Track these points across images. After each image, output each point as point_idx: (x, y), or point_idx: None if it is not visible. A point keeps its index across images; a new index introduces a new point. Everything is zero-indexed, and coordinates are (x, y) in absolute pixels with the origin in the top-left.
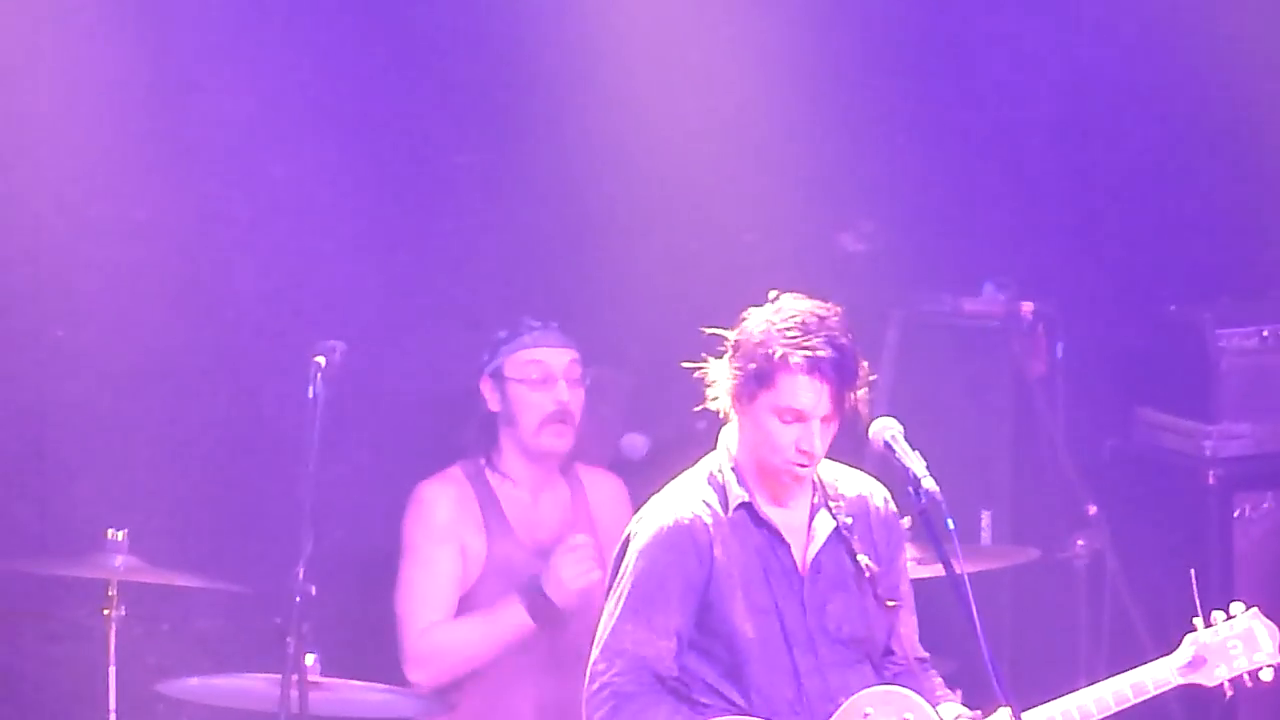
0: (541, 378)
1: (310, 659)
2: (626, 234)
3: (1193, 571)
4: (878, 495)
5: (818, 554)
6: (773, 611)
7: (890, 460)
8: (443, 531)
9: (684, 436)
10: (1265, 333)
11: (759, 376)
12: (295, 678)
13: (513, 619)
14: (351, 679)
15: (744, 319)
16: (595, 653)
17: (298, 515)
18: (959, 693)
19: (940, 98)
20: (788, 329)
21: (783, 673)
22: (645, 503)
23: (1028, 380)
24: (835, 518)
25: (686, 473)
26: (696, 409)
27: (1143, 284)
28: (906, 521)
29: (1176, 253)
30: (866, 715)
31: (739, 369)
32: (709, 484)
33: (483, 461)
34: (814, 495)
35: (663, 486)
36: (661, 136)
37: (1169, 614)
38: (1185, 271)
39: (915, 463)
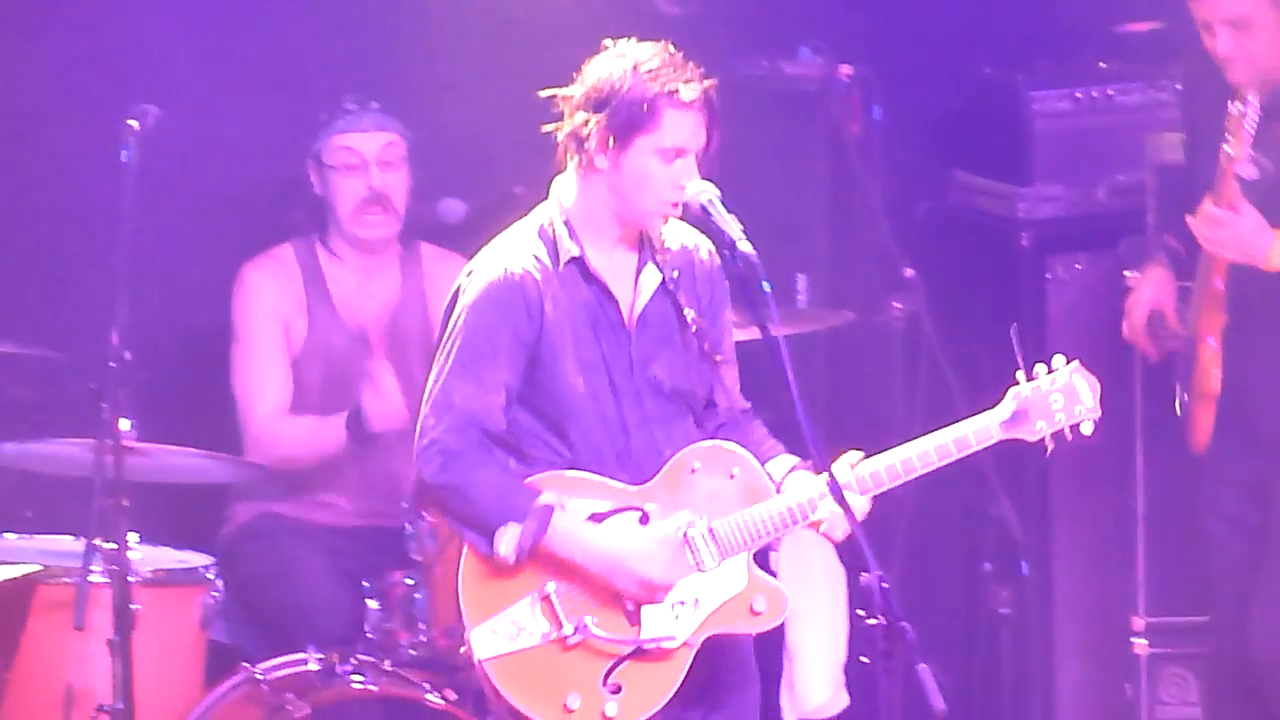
0: (354, 163)
1: (125, 425)
2: (449, 3)
3: (1014, 326)
4: (703, 248)
5: (644, 308)
6: (601, 366)
7: (707, 224)
8: (268, 315)
9: (501, 201)
10: (1078, 95)
11: (639, 120)
12: (110, 443)
13: (336, 431)
14: (167, 444)
15: (588, 73)
16: (425, 408)
17: (113, 282)
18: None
19: None
20: (658, 69)
21: (611, 426)
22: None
23: (844, 143)
24: (662, 271)
25: (515, 225)
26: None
27: (958, 47)
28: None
29: (991, 15)
30: (694, 470)
31: (612, 117)
32: (539, 238)
33: (315, 239)
34: (642, 249)
35: (479, 250)
36: None
37: (984, 375)
38: (1000, 34)
39: (731, 226)
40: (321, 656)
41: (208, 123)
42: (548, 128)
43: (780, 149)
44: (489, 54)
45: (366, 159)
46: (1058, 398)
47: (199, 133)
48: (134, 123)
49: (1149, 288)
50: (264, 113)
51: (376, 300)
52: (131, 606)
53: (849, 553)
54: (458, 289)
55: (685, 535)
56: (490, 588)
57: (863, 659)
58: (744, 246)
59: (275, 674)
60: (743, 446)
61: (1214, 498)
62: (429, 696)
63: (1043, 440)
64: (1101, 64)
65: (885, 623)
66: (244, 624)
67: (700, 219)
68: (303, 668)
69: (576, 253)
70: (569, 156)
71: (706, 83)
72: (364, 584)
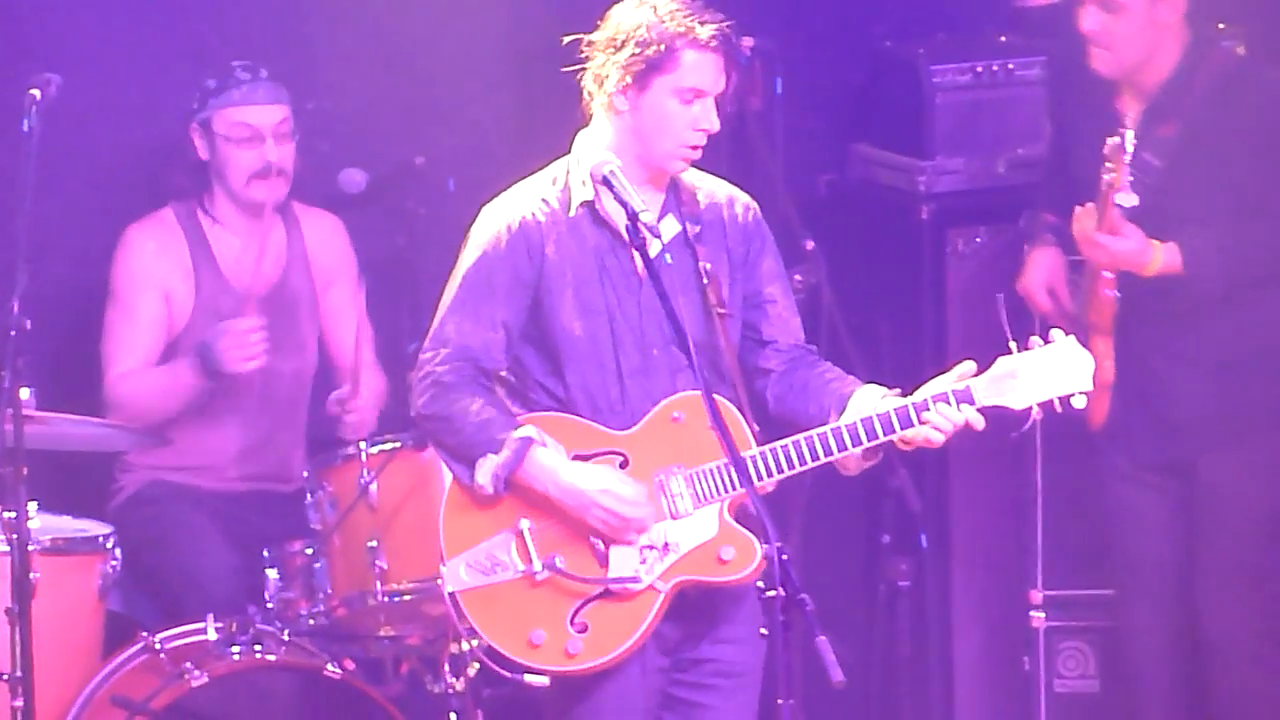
0: (249, 137)
1: (25, 393)
2: None
3: (1000, 297)
4: (738, 202)
5: (658, 256)
6: (603, 312)
7: (609, 195)
8: (145, 277)
9: (402, 171)
10: (979, 69)
11: (659, 61)
12: (10, 412)
13: (187, 375)
14: (66, 413)
15: (609, 16)
16: (425, 342)
17: (13, 250)
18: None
19: None
20: (676, 10)
21: (606, 372)
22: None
23: (745, 116)
24: (682, 222)
25: (537, 173)
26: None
27: (859, 20)
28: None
29: None
30: (676, 418)
31: (633, 58)
32: (552, 184)
33: (195, 204)
34: (666, 199)
35: (379, 221)
36: None
37: (884, 347)
38: (901, 7)
39: (633, 197)
40: (220, 626)
41: (107, 90)
42: (568, 69)
43: None
44: (390, 23)
45: (263, 132)
46: (1048, 369)
47: (98, 99)
48: (36, 92)
49: (1040, 270)
50: (164, 80)
51: (265, 262)
52: (31, 575)
53: (748, 524)
54: (470, 232)
55: (660, 482)
56: (468, 522)
57: (762, 631)
58: (646, 218)
59: (174, 643)
60: (814, 382)
61: (1119, 471)
62: (328, 666)
63: (1027, 410)
64: (1001, 38)
65: (784, 594)
66: (139, 594)
67: (603, 190)
68: (201, 637)
69: (589, 196)
70: (591, 102)
71: (724, 25)
72: (264, 553)
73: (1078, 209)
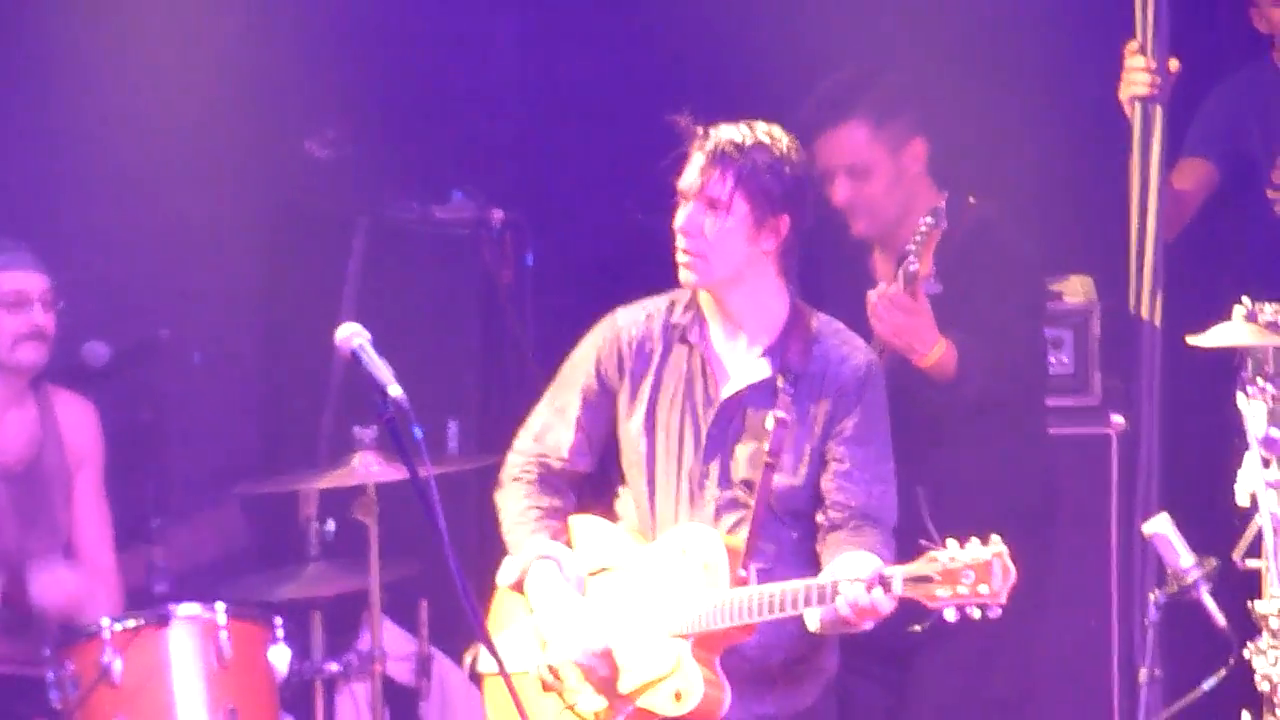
0: (16, 301)
1: None
2: (99, 144)
3: (920, 489)
4: (849, 363)
5: (737, 394)
6: (668, 433)
7: (358, 368)
8: None
9: (146, 344)
10: None
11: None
12: None
13: None
14: None
15: None
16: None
17: None
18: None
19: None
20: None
21: (658, 490)
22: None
23: (497, 288)
24: (775, 369)
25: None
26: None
27: (610, 192)
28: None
29: (642, 159)
30: (682, 552)
31: None
32: (668, 302)
33: None
34: (774, 341)
35: (123, 394)
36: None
37: None
38: (653, 180)
39: (382, 371)
40: None
41: None
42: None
43: (432, 293)
44: (136, 196)
45: (31, 296)
46: (970, 573)
47: None
48: None
49: None
50: None
51: (17, 439)
52: None
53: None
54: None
55: (634, 606)
56: (506, 609)
57: None
58: (394, 391)
59: None
60: (831, 547)
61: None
62: None
63: (940, 608)
64: None
65: None
66: None
67: (350, 363)
68: None
69: (684, 322)
70: None
71: (730, 135)
72: None
73: (875, 290)
